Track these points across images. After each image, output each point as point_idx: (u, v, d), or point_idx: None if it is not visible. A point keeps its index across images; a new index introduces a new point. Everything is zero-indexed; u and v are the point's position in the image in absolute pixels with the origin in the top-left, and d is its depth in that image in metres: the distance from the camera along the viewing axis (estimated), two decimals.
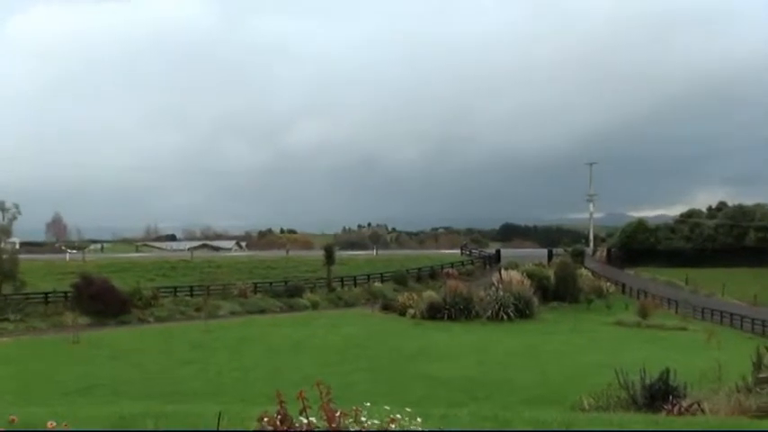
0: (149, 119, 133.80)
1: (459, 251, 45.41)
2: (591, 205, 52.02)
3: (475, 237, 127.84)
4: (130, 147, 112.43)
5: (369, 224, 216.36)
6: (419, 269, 33.95)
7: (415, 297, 23.37)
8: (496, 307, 22.09)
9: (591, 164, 52.90)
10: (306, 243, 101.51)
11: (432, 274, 33.55)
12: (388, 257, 39.48)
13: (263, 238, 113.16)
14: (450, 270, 34.49)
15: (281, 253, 43.18)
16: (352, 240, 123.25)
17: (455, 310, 22.10)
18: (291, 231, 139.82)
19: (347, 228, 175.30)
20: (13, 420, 2.68)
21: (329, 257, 28.67)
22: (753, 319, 22.79)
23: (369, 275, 30.91)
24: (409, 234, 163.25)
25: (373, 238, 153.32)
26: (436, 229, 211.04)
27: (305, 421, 1.83)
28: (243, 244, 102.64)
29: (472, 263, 38.20)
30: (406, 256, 41.91)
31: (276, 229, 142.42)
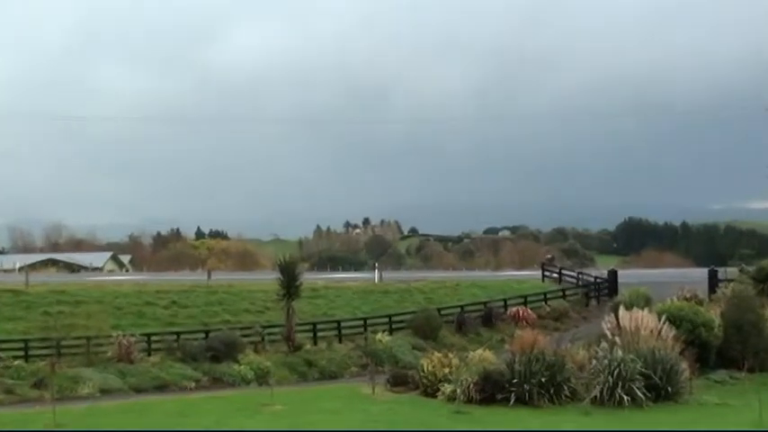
0: None
1: (538, 273, 46.04)
2: None
3: (570, 246, 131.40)
4: None
5: (366, 221, 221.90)
6: (461, 308, 34.55)
7: (456, 361, 23.05)
8: (611, 381, 21.42)
9: None
10: (245, 258, 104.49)
11: (486, 318, 34.18)
12: (402, 285, 40.20)
13: (163, 249, 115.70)
14: (523, 310, 35.00)
15: (199, 277, 43.69)
16: (334, 253, 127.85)
17: (532, 388, 21.52)
18: (218, 235, 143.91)
19: (326, 229, 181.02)
20: None
21: (290, 286, 28.73)
22: None
23: (365, 320, 31.47)
24: (443, 240, 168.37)
25: (375, 247, 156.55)
26: (494, 230, 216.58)
27: None
28: (126, 259, 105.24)
29: (564, 296, 38.85)
30: (436, 281, 42.66)
31: (188, 232, 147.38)
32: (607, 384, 20.34)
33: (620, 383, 20.29)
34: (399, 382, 22.78)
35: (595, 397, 20.36)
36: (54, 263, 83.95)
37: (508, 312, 34.87)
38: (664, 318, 22.79)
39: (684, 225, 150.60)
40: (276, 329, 28.71)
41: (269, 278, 33.83)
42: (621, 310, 22.78)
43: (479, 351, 23.67)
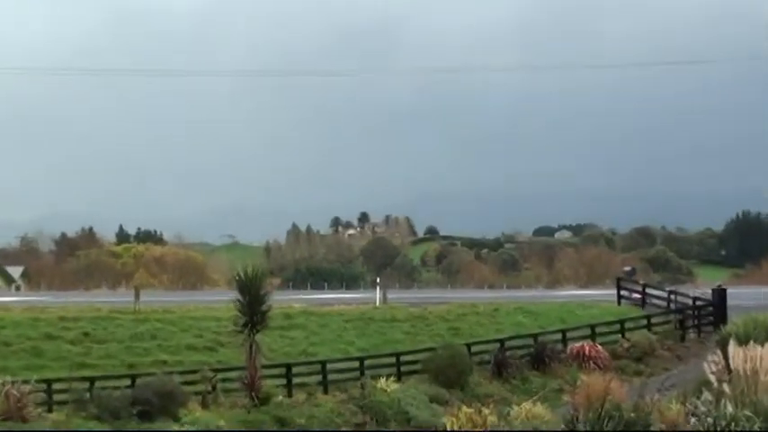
0: None
1: (612, 292, 46.43)
2: None
3: (658, 254, 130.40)
4: None
5: (363, 218, 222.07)
6: (501, 343, 34.72)
7: (493, 419, 23.14)
8: None
9: None
10: (188, 271, 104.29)
11: (537, 357, 34.38)
12: (416, 309, 40.36)
13: (70, 257, 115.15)
14: (590, 347, 35.17)
15: (123, 298, 43.71)
16: (317, 264, 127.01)
17: None
18: (149, 238, 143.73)
19: (305, 229, 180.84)
20: None
21: (253, 311, 28.80)
22: None
23: (362, 360, 31.67)
24: (475, 245, 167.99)
25: (376, 255, 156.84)
26: (549, 231, 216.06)
27: None
28: (16, 273, 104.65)
29: (649, 325, 39.06)
30: (465, 305, 42.80)
31: (107, 232, 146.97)
32: None
33: None
34: None
35: None
36: None
37: (568, 350, 34.92)
38: None
39: None
40: (233, 374, 28.74)
41: (223, 300, 33.86)
42: (732, 346, 22.82)
43: (527, 405, 23.76)
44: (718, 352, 23.77)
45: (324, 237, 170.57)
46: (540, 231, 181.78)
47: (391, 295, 46.70)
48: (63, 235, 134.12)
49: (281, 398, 28.75)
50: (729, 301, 40.60)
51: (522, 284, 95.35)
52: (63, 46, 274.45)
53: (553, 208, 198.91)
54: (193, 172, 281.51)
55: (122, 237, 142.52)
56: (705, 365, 23.59)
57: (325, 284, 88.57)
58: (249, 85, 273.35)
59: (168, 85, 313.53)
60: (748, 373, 22.36)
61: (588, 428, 20.84)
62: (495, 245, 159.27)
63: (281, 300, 38.20)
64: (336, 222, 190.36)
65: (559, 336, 35.99)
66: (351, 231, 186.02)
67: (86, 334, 33.22)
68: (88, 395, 26.38)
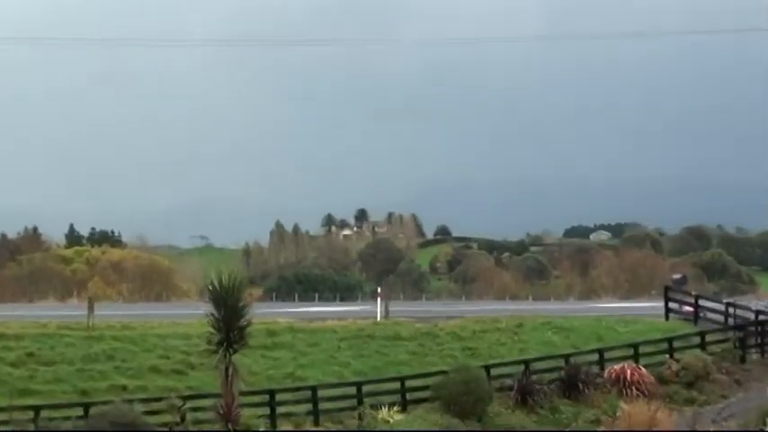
0: None
1: (659, 305, 46.69)
2: None
3: (714, 258, 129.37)
4: None
5: (361, 216, 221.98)
6: (526, 365, 34.80)
7: None
8: None
9: None
10: (152, 279, 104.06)
11: (569, 382, 34.37)
12: (424, 325, 40.39)
13: (10, 262, 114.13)
14: (632, 369, 35.16)
15: (74, 311, 43.62)
16: (306, 271, 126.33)
17: None
18: (105, 240, 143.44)
19: (291, 230, 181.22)
20: None
21: (230, 327, 28.73)
22: None
23: (359, 385, 31.74)
24: (495, 248, 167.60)
25: (377, 260, 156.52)
26: (583, 231, 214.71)
27: None
28: None
29: (702, 343, 39.05)
30: (482, 319, 42.90)
31: (54, 232, 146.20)
32: None
33: None
34: None
35: None
36: None
37: (606, 373, 34.89)
38: None
39: None
40: (206, 402, 28.79)
41: (194, 314, 33.75)
42: None
43: None
44: None
45: (314, 238, 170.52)
46: (573, 232, 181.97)
47: (395, 308, 46.57)
48: (2, 236, 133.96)
49: (262, 429, 28.75)
50: None
51: (550, 295, 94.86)
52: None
53: (588, 204, 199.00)
54: (158, 161, 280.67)
55: (73, 238, 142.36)
56: None
57: (316, 295, 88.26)
58: (228, 56, 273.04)
59: (135, 58, 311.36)
60: None
61: None
62: (519, 248, 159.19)
63: (264, 313, 38.08)
64: (329, 221, 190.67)
65: (596, 356, 35.90)
66: (346, 232, 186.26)
67: (30, 354, 33.18)
68: (32, 426, 26.32)
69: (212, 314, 28.77)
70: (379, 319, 42.85)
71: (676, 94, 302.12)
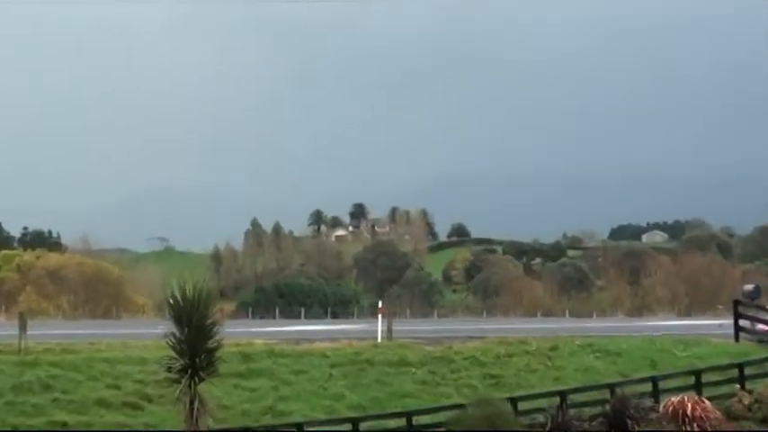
0: None
1: (727, 323, 47.47)
2: None
3: None
4: None
5: (358, 212, 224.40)
6: (562, 396, 34.85)
7: None
8: None
9: None
10: (99, 289, 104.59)
11: (615, 417, 34.18)
12: (436, 348, 40.77)
13: None
14: (693, 402, 34.91)
15: (3, 331, 43.96)
16: (290, 281, 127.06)
17: None
18: (42, 242, 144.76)
19: (270, 230, 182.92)
20: None
21: (196, 350, 28.70)
22: None
23: (356, 421, 31.82)
24: (523, 252, 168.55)
25: (377, 266, 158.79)
26: (632, 232, 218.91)
27: None
28: None
29: None
30: (507, 340, 43.28)
31: None
32: None
33: None
34: None
35: None
36: None
37: (662, 406, 34.72)
38: None
39: None
40: None
41: (151, 333, 33.81)
42: None
43: None
44: None
45: (299, 240, 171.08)
46: (621, 232, 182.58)
47: (399, 327, 46.75)
48: None
49: None
50: None
51: (593, 310, 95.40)
52: None
53: (640, 199, 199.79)
54: (107, 146, 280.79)
55: (1, 240, 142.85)
56: None
57: (302, 311, 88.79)
58: (195, 16, 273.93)
59: (87, 18, 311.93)
60: None
61: None
62: (554, 252, 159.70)
63: (238, 333, 38.23)
64: (318, 218, 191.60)
65: (649, 386, 35.87)
66: (339, 232, 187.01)
67: None
68: None
69: (173, 334, 28.67)
70: (379, 340, 43.01)
71: (745, 71, 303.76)
